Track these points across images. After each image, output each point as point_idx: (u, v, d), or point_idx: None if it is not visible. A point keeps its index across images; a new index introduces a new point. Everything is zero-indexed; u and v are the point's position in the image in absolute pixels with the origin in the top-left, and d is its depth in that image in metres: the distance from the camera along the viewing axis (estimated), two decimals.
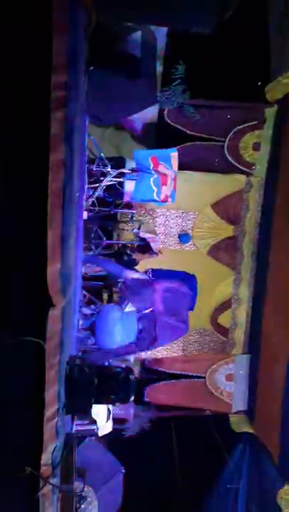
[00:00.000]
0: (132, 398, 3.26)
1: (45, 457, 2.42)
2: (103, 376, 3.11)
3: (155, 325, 3.96)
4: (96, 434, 4.45)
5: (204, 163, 5.55)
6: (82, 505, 2.88)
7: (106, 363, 4.39)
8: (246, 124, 5.49)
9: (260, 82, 5.31)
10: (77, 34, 2.79)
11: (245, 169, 5.68)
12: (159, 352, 5.88)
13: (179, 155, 4.83)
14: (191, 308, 4.61)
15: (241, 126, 5.49)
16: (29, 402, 2.45)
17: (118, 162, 4.89)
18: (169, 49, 5.12)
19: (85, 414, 3.70)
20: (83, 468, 3.35)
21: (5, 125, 2.38)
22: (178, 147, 5.02)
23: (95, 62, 3.62)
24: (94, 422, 4.34)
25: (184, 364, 5.87)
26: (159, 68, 5.06)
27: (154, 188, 4.62)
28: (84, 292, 4.48)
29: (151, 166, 4.58)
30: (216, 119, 5.47)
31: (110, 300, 5.07)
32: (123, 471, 4.47)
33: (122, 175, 4.77)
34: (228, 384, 5.90)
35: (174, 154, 4.76)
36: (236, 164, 5.63)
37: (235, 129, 5.51)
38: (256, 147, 5.59)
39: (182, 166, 5.06)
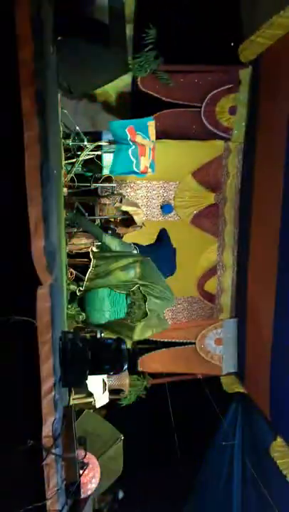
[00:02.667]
0: (126, 367, 3.28)
1: (46, 429, 2.47)
2: (96, 348, 3.17)
3: (145, 298, 3.95)
4: (93, 406, 4.56)
5: (182, 131, 5.51)
6: (86, 471, 3.00)
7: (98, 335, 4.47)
8: (221, 88, 5.42)
9: (233, 43, 5.21)
10: (41, 1, 2.68)
11: (223, 134, 5.65)
12: None
13: (156, 123, 4.74)
14: (173, 273, 4.67)
15: (216, 91, 5.42)
16: (28, 379, 2.49)
17: (94, 135, 4.81)
18: (138, 13, 4.98)
19: (81, 385, 3.78)
20: (84, 437, 3.46)
21: None
22: (154, 115, 4.96)
23: (61, 31, 3.48)
24: (90, 394, 4.45)
25: (174, 332, 5.96)
26: (130, 33, 4.93)
27: (132, 159, 4.54)
28: (70, 270, 4.47)
29: (129, 136, 4.48)
30: (191, 84, 5.38)
31: None
32: (122, 438, 4.59)
33: (99, 148, 4.69)
34: (218, 348, 6.01)
35: (150, 123, 4.65)
36: (214, 130, 5.59)
37: (211, 94, 5.43)
38: (232, 111, 5.55)
39: (160, 135, 5.02)
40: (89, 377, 3.30)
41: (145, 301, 3.94)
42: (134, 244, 4.47)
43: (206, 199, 5.89)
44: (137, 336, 4.10)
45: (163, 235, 4.78)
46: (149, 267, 4.12)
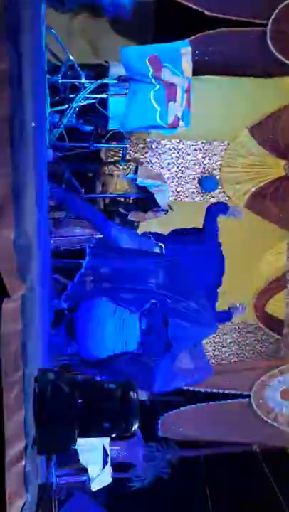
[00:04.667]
0: (136, 427, 3.31)
1: None
2: (90, 396, 3.18)
3: (167, 322, 4.03)
4: (88, 487, 4.64)
5: (235, 62, 5.52)
6: None
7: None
8: None
9: None
10: None
11: None
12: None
13: (193, 51, 4.77)
14: (220, 283, 4.71)
15: None
16: None
17: (97, 69, 4.85)
18: None
19: (67, 453, 3.85)
20: None
21: None
22: (191, 38, 4.97)
23: None
24: (82, 469, 4.53)
25: (217, 377, 5.82)
26: None
27: (156, 106, 4.59)
28: (56, 276, 4.52)
29: (151, 71, 4.51)
30: None
31: None
32: None
33: (104, 89, 4.73)
34: (286, 404, 6.02)
35: (185, 50, 4.68)
36: (285, 60, 5.55)
37: (283, 5, 5.42)
38: None
39: (200, 69, 5.01)
40: (80, 440, 3.29)
41: (166, 325, 4.00)
42: (153, 234, 4.52)
43: (272, 169, 5.90)
44: (162, 388, 4.18)
45: (209, 220, 4.77)
46: (178, 271, 4.19)
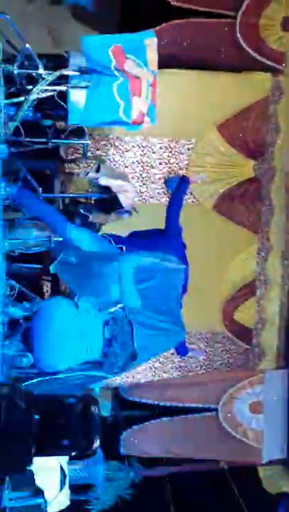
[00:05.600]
0: (97, 445, 3.31)
1: None
2: (48, 411, 3.19)
3: (132, 330, 3.95)
4: (44, 511, 4.51)
5: (203, 55, 5.51)
6: None
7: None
8: None
9: None
10: None
11: (270, 63, 5.65)
12: (141, 373, 5.90)
13: (159, 42, 4.63)
14: (184, 291, 4.67)
15: None
16: None
17: (57, 60, 4.76)
18: None
19: (21, 474, 3.76)
20: None
21: None
22: (157, 28, 4.98)
23: None
24: (38, 491, 4.43)
25: (182, 390, 5.96)
26: None
27: (119, 100, 4.49)
28: (10, 281, 4.41)
29: (113, 62, 4.45)
30: None
31: (55, 292, 5.05)
32: None
33: (63, 81, 4.60)
34: (255, 418, 6.00)
35: (150, 41, 4.58)
36: (255, 55, 5.60)
37: None
38: (288, 25, 5.57)
39: (166, 62, 4.89)
40: (36, 460, 3.29)
41: (132, 334, 3.92)
42: (111, 236, 4.44)
43: (241, 170, 5.89)
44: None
45: (170, 218, 4.70)
46: (141, 276, 4.15)
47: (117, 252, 4.38)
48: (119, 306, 3.95)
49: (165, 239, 4.62)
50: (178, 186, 4.77)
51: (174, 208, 4.69)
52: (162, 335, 4.15)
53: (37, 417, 3.05)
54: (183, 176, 5.00)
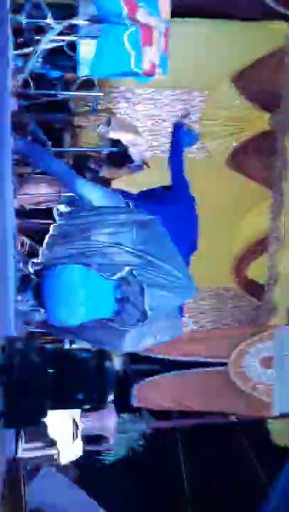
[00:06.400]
0: (111, 399, 3.34)
1: None
2: (62, 366, 3.20)
3: (142, 289, 3.93)
4: (57, 462, 4.62)
5: (217, 3, 5.43)
6: None
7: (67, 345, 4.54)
8: None
9: None
10: None
11: (287, 12, 5.52)
12: None
13: None
14: (195, 248, 4.67)
15: None
16: None
17: (65, 9, 4.68)
18: None
19: (36, 426, 3.81)
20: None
21: None
22: None
23: None
24: (52, 443, 4.50)
25: (194, 345, 5.98)
26: None
27: (130, 50, 4.47)
28: (22, 237, 4.47)
29: (125, 11, 4.43)
30: None
31: None
32: None
33: (73, 30, 4.57)
34: (266, 372, 6.04)
35: None
36: (272, 4, 5.47)
37: None
38: None
39: (179, 10, 4.89)
40: (50, 413, 3.31)
41: (143, 294, 3.91)
42: (123, 193, 4.42)
43: (255, 123, 5.86)
44: (130, 347, 4.15)
45: (173, 171, 4.64)
46: (153, 234, 4.11)
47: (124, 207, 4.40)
48: (127, 268, 3.92)
49: (171, 193, 4.60)
50: (173, 136, 4.72)
51: (174, 160, 4.65)
52: (174, 293, 4.11)
53: (51, 371, 3.07)
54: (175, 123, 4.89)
